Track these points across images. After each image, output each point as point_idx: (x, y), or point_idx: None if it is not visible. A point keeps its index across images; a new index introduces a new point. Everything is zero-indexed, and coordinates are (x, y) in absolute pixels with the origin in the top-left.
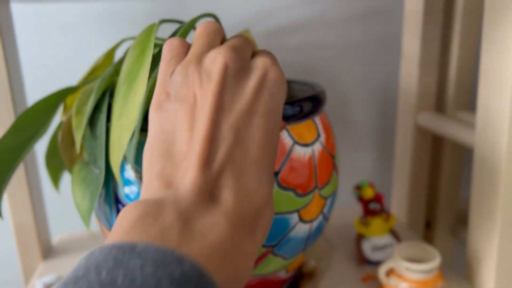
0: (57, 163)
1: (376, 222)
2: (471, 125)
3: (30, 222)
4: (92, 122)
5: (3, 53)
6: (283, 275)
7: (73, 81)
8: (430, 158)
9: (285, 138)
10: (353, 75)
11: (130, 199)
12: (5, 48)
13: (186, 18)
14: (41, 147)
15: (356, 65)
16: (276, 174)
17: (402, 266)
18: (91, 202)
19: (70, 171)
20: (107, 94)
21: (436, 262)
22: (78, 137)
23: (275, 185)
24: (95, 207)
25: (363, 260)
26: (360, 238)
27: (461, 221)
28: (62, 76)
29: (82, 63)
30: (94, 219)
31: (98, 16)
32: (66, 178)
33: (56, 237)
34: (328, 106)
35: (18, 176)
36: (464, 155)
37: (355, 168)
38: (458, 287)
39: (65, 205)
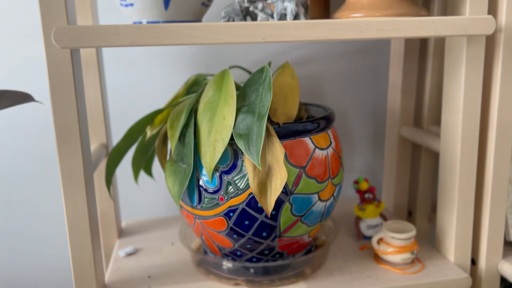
0: (139, 164)
1: (370, 208)
2: (438, 137)
3: (111, 208)
4: (180, 133)
5: (99, 83)
6: (306, 239)
7: (142, 106)
8: (411, 162)
9: (309, 144)
10: (351, 97)
11: (209, 183)
12: (100, 78)
13: (231, 58)
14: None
15: (353, 89)
16: (304, 168)
17: (389, 235)
18: (180, 186)
19: (162, 166)
20: (193, 115)
21: (413, 232)
22: (172, 143)
23: (303, 174)
24: None
25: (360, 236)
26: (358, 219)
27: (435, 211)
28: (132, 102)
29: (146, 93)
30: (137, 210)
31: (160, 55)
32: (121, 177)
33: (123, 222)
34: None
35: (103, 173)
36: (436, 159)
37: (354, 168)
38: (429, 253)
39: (126, 198)
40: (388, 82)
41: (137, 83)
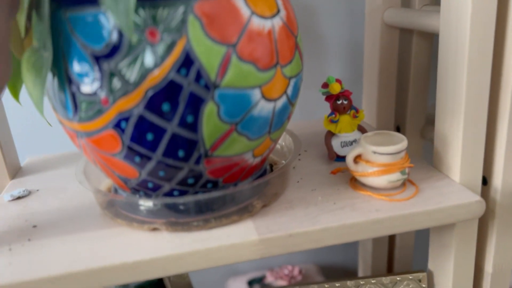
0: (14, 71)
1: (345, 119)
2: (437, 13)
3: None
4: (37, 3)
5: None
6: (250, 159)
7: None
8: (399, 58)
9: (242, 7)
10: None
11: (81, 78)
12: None
13: None
14: None
15: None
16: (234, 46)
17: (369, 150)
18: (41, 86)
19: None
20: None
21: (403, 144)
22: (21, 18)
23: (234, 56)
24: (51, 97)
25: (332, 156)
26: (329, 135)
27: (429, 123)
28: None
29: None
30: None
31: None
32: None
33: (25, 159)
34: None
35: None
36: (431, 50)
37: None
38: (425, 173)
39: (33, 129)
40: None
41: None
